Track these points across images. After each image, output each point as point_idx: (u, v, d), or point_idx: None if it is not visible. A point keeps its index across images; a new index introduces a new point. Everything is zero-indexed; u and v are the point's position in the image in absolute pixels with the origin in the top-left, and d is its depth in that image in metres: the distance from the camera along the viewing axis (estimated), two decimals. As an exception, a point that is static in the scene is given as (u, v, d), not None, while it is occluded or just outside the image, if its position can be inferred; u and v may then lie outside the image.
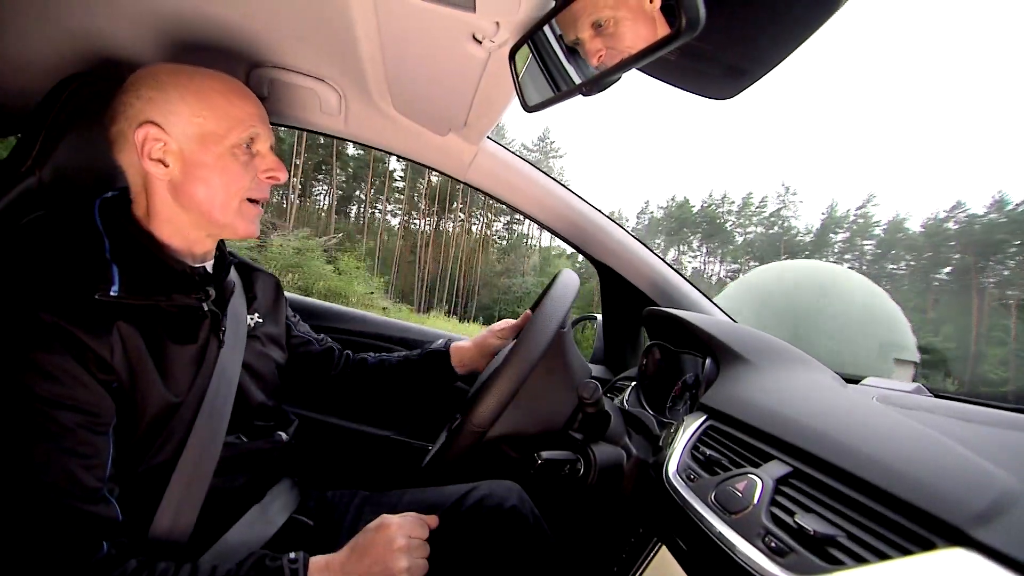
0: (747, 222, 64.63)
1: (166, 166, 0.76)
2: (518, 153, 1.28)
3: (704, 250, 67.24)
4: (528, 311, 1.10)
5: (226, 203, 0.79)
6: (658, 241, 67.96)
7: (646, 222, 71.52)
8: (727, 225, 65.74)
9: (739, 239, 64.83)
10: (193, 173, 0.77)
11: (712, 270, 67.06)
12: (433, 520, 0.82)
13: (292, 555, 0.71)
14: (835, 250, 59.32)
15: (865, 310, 8.54)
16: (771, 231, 62.38)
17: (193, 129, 0.76)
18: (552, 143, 61.52)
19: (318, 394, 1.14)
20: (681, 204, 67.78)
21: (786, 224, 61.54)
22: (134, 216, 0.79)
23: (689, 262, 66.70)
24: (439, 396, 1.18)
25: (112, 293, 0.69)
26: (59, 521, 0.60)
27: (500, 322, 1.17)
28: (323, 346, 1.13)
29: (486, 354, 1.13)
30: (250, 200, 0.82)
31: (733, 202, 65.15)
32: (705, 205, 66.58)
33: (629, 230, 1.36)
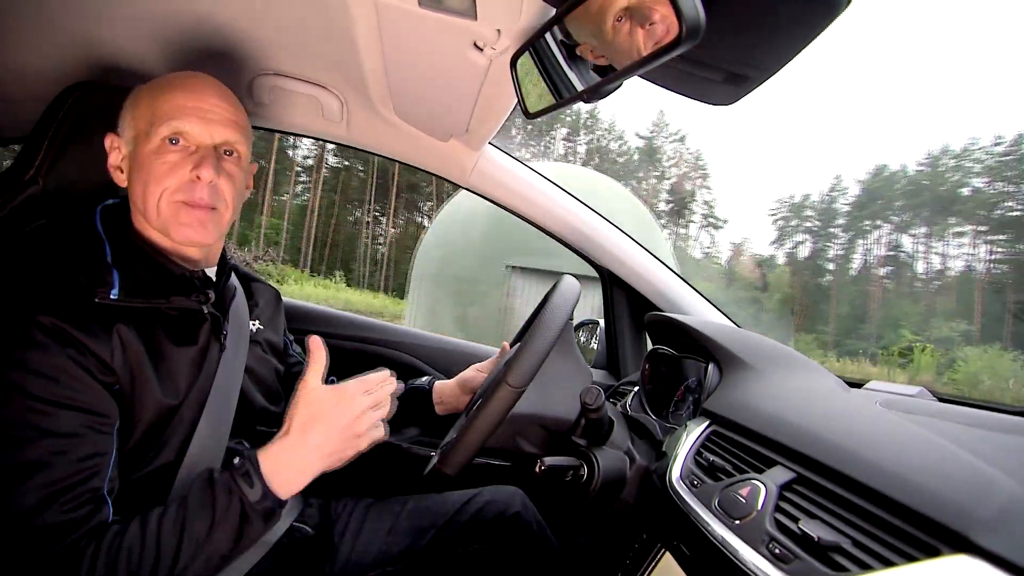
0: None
1: (122, 172, 0.80)
2: (520, 159, 1.28)
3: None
4: (506, 343, 1.09)
5: (154, 204, 0.75)
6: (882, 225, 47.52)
7: (843, 203, 50.47)
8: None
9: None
10: (133, 176, 0.78)
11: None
12: (387, 376, 0.78)
13: (237, 460, 0.68)
14: None
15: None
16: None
17: (131, 131, 0.78)
18: (666, 125, 55.98)
19: None
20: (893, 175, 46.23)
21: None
22: (134, 223, 0.80)
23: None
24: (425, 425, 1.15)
25: (112, 296, 0.69)
26: (56, 519, 0.60)
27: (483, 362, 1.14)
28: None
29: (468, 391, 1.09)
30: (186, 203, 0.76)
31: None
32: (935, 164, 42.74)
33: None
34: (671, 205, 55.63)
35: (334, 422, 0.70)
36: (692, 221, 56.01)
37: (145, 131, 0.76)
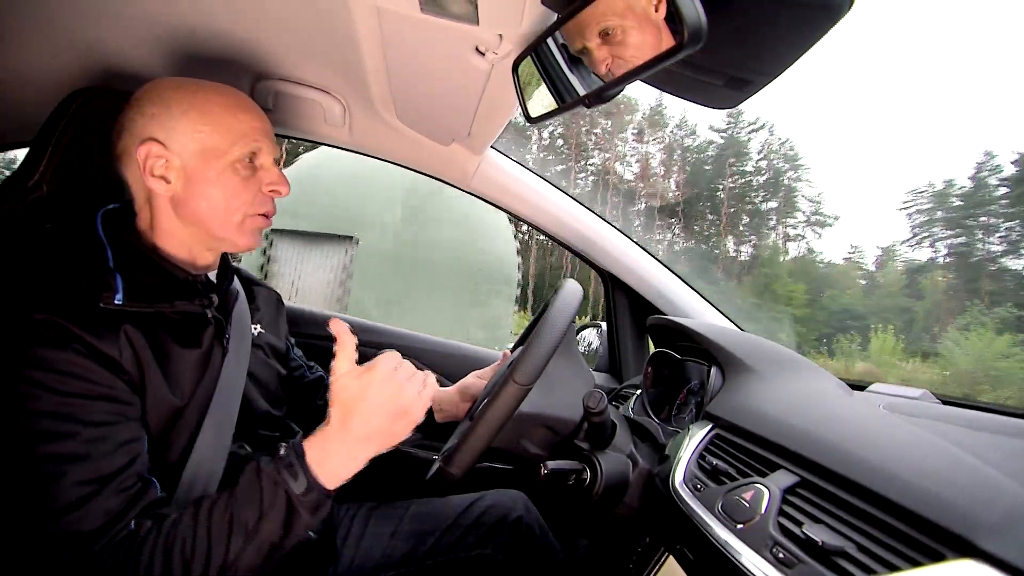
0: None
1: (168, 182, 0.77)
2: (522, 163, 1.28)
3: None
4: (506, 351, 1.09)
5: (227, 218, 0.79)
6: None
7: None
8: None
9: None
10: (195, 188, 0.77)
11: None
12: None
13: (282, 451, 0.67)
14: None
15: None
16: None
17: (195, 145, 0.77)
18: (741, 114, 50.89)
19: (302, 421, 1.12)
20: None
21: None
22: (137, 229, 0.80)
23: None
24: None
25: (116, 301, 0.70)
26: (106, 500, 0.61)
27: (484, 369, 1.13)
28: (313, 375, 1.11)
29: (468, 398, 1.08)
30: (258, 215, 0.82)
31: None
32: None
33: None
34: (762, 202, 50.14)
35: (374, 403, 0.67)
36: (789, 219, 49.67)
37: (220, 147, 0.77)
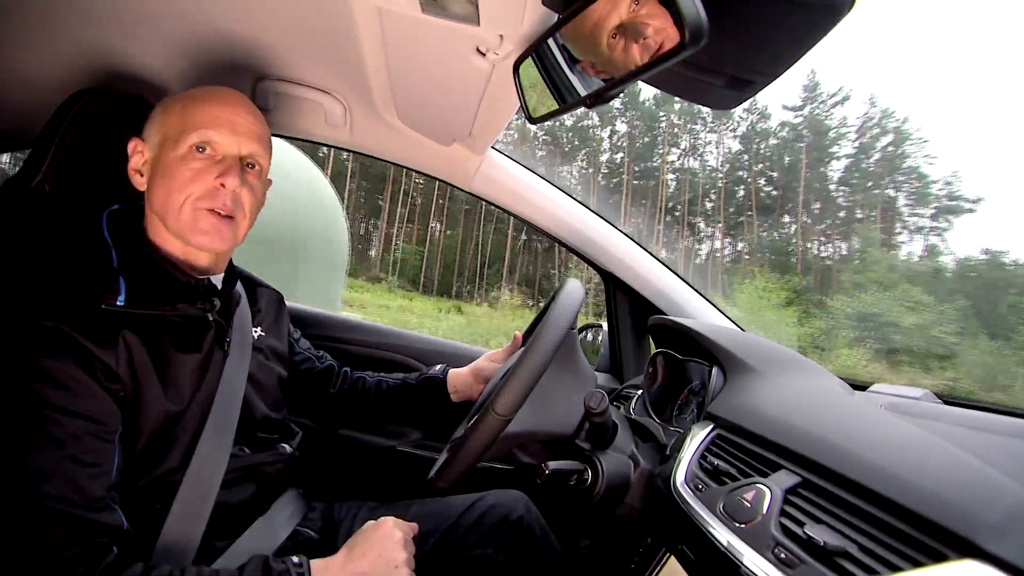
0: None
1: (141, 175, 0.81)
2: (522, 163, 1.28)
3: None
4: (518, 333, 1.11)
5: (176, 209, 0.77)
6: None
7: None
8: None
9: None
10: (155, 179, 0.79)
11: None
12: (414, 527, 0.83)
13: (296, 559, 0.71)
14: None
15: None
16: None
17: (158, 136, 0.80)
18: (817, 86, 43.32)
19: (317, 411, 1.14)
20: None
21: None
22: (142, 229, 0.81)
23: None
24: (438, 418, 1.18)
25: (118, 303, 0.70)
26: (63, 527, 0.60)
27: (496, 351, 1.18)
28: (323, 364, 1.13)
29: (481, 380, 1.13)
30: (208, 210, 0.78)
31: None
32: None
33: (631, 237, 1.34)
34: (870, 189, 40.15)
35: (382, 555, 0.74)
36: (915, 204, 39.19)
37: (174, 137, 0.78)
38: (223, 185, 0.78)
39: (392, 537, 0.75)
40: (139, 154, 0.81)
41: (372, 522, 0.78)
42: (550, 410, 0.87)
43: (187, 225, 0.77)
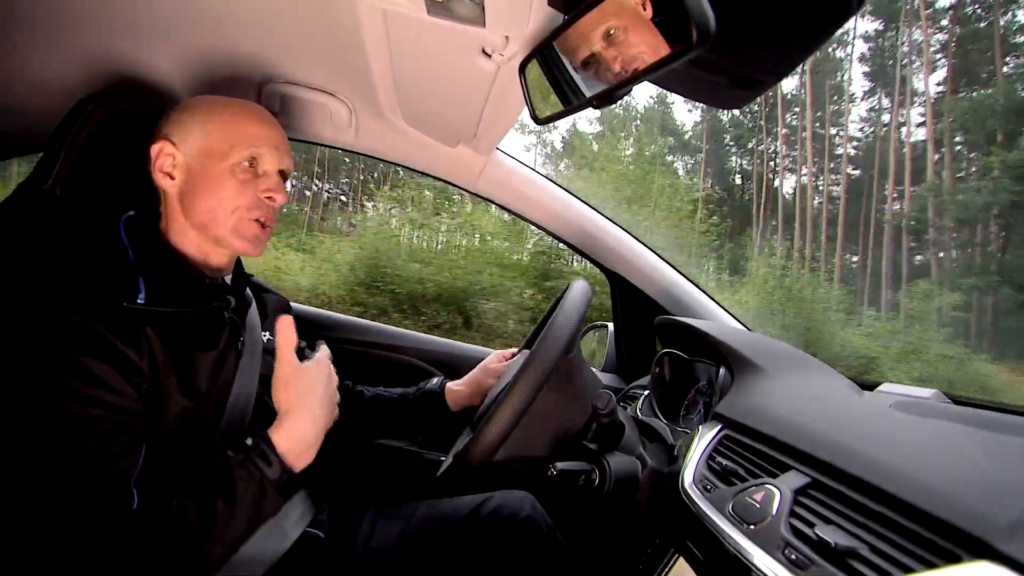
0: None
1: (172, 179, 0.82)
2: (530, 165, 1.28)
3: None
4: (513, 350, 1.11)
5: (224, 218, 0.81)
6: None
7: None
8: None
9: None
10: (195, 185, 0.81)
11: None
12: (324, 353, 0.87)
13: (250, 441, 0.73)
14: None
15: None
16: None
17: (200, 145, 0.81)
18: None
19: None
20: None
21: None
22: (158, 232, 0.83)
23: None
24: (437, 430, 1.18)
25: (139, 301, 0.72)
26: (90, 515, 0.62)
27: (492, 356, 1.18)
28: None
29: (479, 392, 1.13)
30: (253, 220, 0.83)
31: None
32: None
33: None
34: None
35: (317, 392, 0.79)
36: None
37: (222, 149, 0.81)
38: (271, 199, 0.84)
39: (322, 373, 0.81)
40: (168, 156, 0.82)
41: (304, 363, 0.80)
42: (548, 434, 0.90)
43: (231, 231, 0.82)
